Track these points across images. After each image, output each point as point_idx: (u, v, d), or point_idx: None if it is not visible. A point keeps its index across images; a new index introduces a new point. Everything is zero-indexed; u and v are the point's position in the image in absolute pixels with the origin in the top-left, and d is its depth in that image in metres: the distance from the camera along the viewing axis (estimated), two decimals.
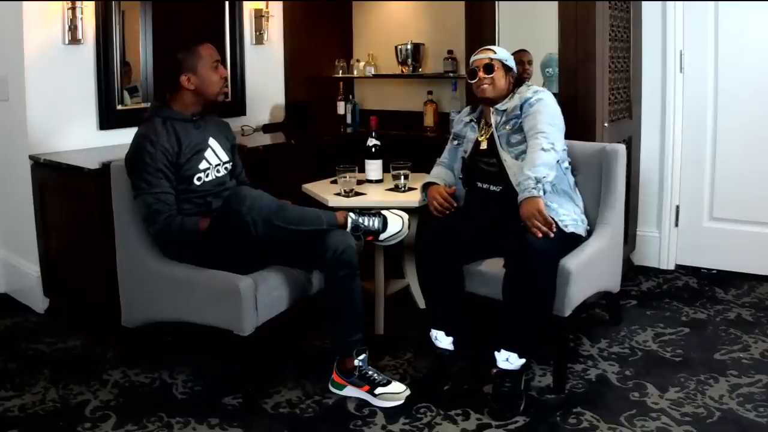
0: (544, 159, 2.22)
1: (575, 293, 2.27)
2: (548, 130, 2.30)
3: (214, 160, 2.41)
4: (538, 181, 2.17)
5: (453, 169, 2.70)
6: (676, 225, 3.58)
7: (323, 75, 4.38)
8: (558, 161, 2.32)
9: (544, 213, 2.16)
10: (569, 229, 2.36)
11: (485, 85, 2.48)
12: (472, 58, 2.57)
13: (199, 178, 2.35)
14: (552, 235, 2.16)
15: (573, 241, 2.39)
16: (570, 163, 2.51)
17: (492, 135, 2.49)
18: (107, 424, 2.15)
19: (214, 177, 2.40)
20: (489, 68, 2.48)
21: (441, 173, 2.70)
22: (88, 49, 3.17)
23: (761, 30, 3.26)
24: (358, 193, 2.84)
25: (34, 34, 2.97)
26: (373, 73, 4.32)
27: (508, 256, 2.31)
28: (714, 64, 3.38)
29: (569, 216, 2.38)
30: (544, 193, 2.20)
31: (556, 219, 2.31)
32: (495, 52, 2.52)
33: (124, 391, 2.37)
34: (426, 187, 2.67)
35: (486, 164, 2.50)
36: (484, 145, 2.53)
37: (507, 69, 2.51)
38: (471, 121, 2.63)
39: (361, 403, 2.27)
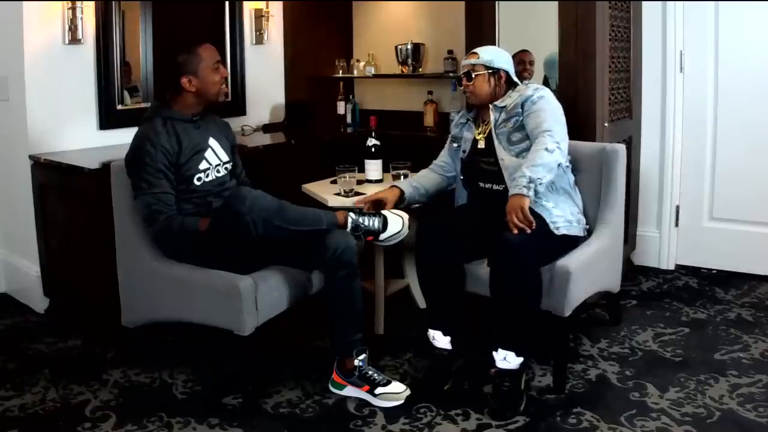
0: (545, 160, 2.21)
1: (575, 293, 2.26)
2: (555, 129, 2.30)
3: (215, 160, 2.41)
4: (531, 181, 2.17)
5: (445, 173, 2.71)
6: (676, 225, 3.57)
7: (323, 75, 4.38)
8: None
9: (526, 212, 2.14)
10: (560, 232, 2.35)
11: (467, 93, 2.53)
12: (461, 62, 2.58)
13: (199, 178, 2.35)
14: (529, 231, 2.15)
15: (570, 242, 2.39)
16: (570, 162, 2.51)
17: (490, 133, 2.49)
18: (107, 424, 2.15)
19: (214, 177, 2.40)
20: (468, 76, 2.50)
21: (421, 177, 2.72)
22: (88, 49, 3.17)
23: (761, 30, 3.26)
24: (358, 193, 2.84)
25: (34, 34, 2.97)
26: (373, 73, 4.32)
27: (490, 254, 2.32)
28: (714, 64, 3.38)
29: (563, 217, 2.38)
30: (536, 194, 2.20)
31: (548, 220, 2.32)
32: (479, 56, 2.50)
33: (124, 391, 2.37)
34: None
35: (486, 164, 2.51)
36: (482, 144, 2.53)
37: (493, 71, 2.49)
38: (467, 121, 2.64)
39: (361, 403, 2.27)
